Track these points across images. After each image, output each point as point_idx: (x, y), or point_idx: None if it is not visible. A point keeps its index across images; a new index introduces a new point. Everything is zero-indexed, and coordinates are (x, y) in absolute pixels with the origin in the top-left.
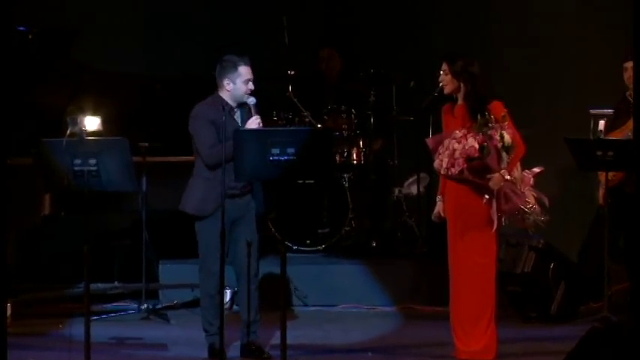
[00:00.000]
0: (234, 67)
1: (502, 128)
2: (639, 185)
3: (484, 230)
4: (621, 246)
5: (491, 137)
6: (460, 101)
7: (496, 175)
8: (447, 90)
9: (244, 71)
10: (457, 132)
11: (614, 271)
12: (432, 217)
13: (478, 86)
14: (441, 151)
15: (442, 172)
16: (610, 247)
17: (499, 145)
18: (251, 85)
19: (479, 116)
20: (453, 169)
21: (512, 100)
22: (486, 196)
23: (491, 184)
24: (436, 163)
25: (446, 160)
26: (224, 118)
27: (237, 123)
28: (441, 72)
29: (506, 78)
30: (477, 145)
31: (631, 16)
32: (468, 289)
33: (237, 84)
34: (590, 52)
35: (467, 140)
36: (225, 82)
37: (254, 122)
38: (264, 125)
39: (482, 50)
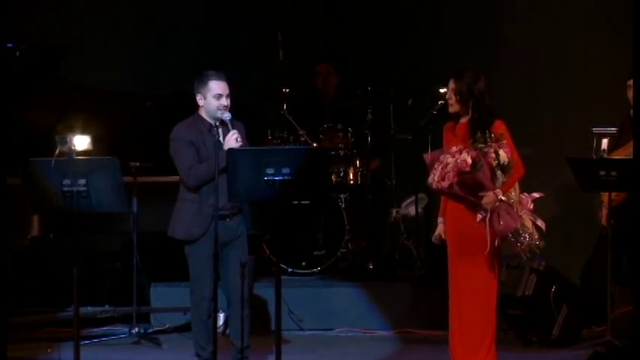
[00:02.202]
0: (205, 82)
1: (499, 146)
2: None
3: (485, 252)
4: (625, 268)
5: (486, 154)
6: (463, 120)
7: (489, 193)
8: (452, 109)
9: (214, 86)
10: (454, 147)
11: (618, 294)
12: (433, 239)
13: (485, 105)
14: (436, 167)
15: (433, 186)
16: (613, 269)
17: (494, 162)
18: (224, 101)
19: (478, 133)
20: (442, 183)
21: (514, 118)
22: (479, 215)
23: (483, 202)
24: (429, 178)
25: (437, 173)
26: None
27: (218, 141)
28: (449, 90)
29: (508, 96)
30: (469, 160)
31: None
32: (470, 312)
33: (208, 99)
34: (594, 70)
35: (460, 155)
36: (198, 97)
37: (231, 138)
38: (257, 144)
39: (483, 68)
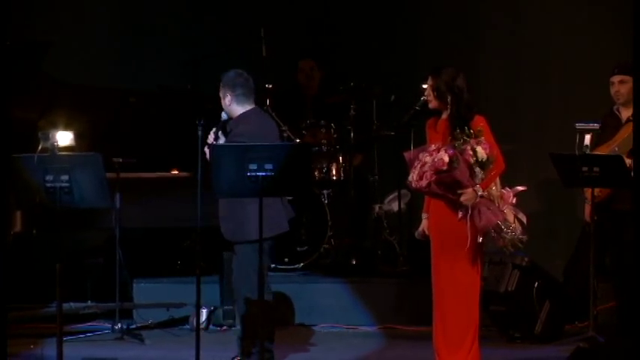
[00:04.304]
0: None
1: (477, 143)
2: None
3: (466, 249)
4: (607, 264)
5: (463, 151)
6: (444, 116)
7: (468, 190)
8: (431, 105)
9: None
10: (432, 146)
11: (601, 290)
12: (416, 235)
13: (464, 101)
14: (415, 165)
15: (412, 185)
16: (596, 266)
17: (471, 160)
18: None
19: (457, 129)
20: (421, 182)
21: (497, 114)
22: (460, 213)
23: (462, 199)
24: (409, 177)
25: (416, 172)
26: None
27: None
28: (427, 86)
29: (491, 92)
30: (446, 158)
31: (619, 32)
32: (453, 308)
33: None
34: (576, 66)
35: (438, 153)
36: None
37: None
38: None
39: (466, 64)
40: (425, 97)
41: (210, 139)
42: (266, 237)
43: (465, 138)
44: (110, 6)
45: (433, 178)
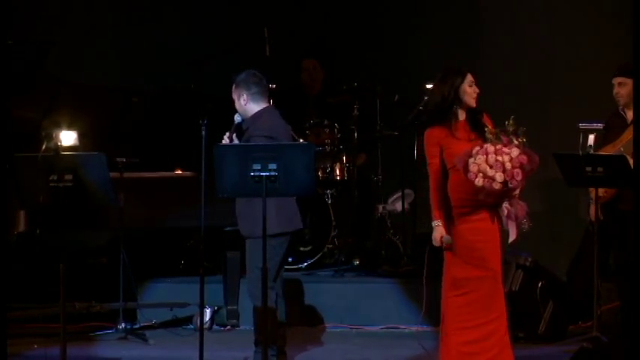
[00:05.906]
0: None
1: (515, 135)
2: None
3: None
4: (611, 264)
5: (521, 144)
6: (461, 117)
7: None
8: (475, 104)
9: None
10: (478, 147)
11: (604, 290)
12: (434, 242)
13: None
14: (474, 170)
15: (496, 187)
16: (599, 266)
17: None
18: None
19: (487, 128)
20: (514, 181)
21: (499, 113)
22: (506, 208)
23: (517, 191)
24: (482, 182)
25: (500, 174)
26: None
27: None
28: (473, 85)
29: (495, 91)
30: (521, 153)
31: (620, 32)
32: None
33: None
34: (580, 67)
35: (510, 150)
36: None
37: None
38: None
39: (469, 63)
40: (473, 96)
41: (225, 142)
42: (288, 231)
43: (498, 135)
44: (114, 5)
45: (524, 174)
